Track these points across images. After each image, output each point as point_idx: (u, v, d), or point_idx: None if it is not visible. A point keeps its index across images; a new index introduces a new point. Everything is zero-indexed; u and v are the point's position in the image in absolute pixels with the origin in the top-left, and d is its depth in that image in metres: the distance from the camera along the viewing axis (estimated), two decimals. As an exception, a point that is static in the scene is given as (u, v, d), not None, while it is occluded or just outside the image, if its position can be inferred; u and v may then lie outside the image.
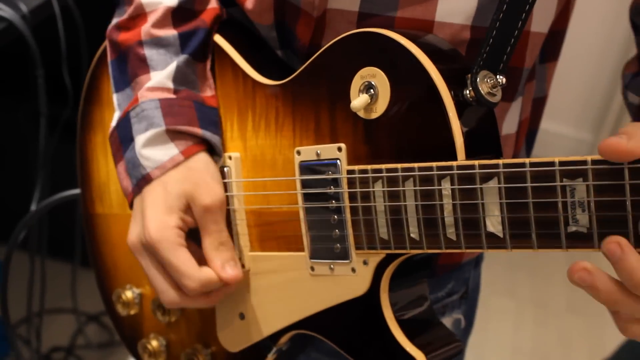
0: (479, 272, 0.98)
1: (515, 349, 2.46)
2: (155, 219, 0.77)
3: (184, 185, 0.77)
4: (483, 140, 0.69)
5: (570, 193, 0.59)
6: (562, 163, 0.59)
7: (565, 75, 2.33)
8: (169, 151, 0.79)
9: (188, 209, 0.78)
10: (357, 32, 0.71)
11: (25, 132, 1.89)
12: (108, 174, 0.97)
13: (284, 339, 0.83)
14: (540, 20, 0.77)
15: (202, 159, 0.80)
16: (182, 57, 0.81)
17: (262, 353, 0.85)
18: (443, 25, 0.73)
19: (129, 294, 0.96)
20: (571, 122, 3.35)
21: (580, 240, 0.60)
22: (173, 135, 0.79)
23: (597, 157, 0.58)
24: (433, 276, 0.88)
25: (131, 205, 0.82)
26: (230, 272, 0.77)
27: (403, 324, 0.74)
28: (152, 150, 0.79)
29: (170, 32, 0.82)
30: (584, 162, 0.58)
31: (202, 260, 0.78)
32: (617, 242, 0.56)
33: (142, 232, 0.77)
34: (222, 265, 0.78)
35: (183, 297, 0.78)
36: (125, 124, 0.81)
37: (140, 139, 0.79)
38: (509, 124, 0.83)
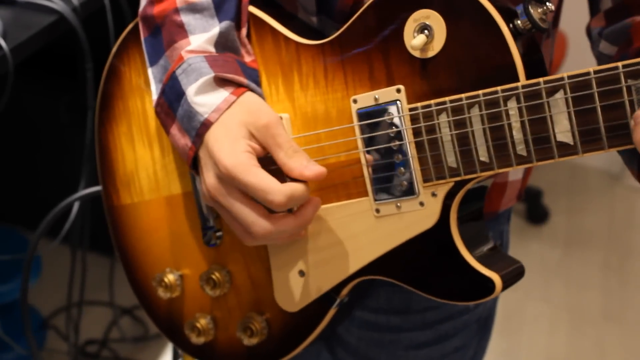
0: (509, 228, 1.04)
1: (550, 355, 2.47)
2: (224, 150, 0.79)
3: (241, 117, 0.80)
4: (534, 65, 0.75)
5: (637, 91, 0.66)
6: (625, 66, 0.66)
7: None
8: (221, 94, 0.82)
9: (252, 136, 0.80)
10: None
11: (66, 123, 1.87)
12: (136, 161, 0.99)
13: (346, 289, 0.86)
14: None
15: (251, 94, 0.83)
16: (225, 24, 0.85)
17: (324, 307, 0.88)
18: None
19: (170, 277, 0.97)
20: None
21: (649, 134, 0.66)
22: (220, 82, 0.82)
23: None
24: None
25: (193, 164, 0.84)
26: (314, 168, 0.78)
27: (472, 249, 0.78)
28: (204, 96, 0.82)
29: None
30: (647, 62, 0.65)
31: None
32: None
33: (216, 168, 0.79)
34: (304, 166, 0.78)
35: (274, 222, 0.78)
36: (172, 83, 0.84)
37: (191, 89, 0.82)
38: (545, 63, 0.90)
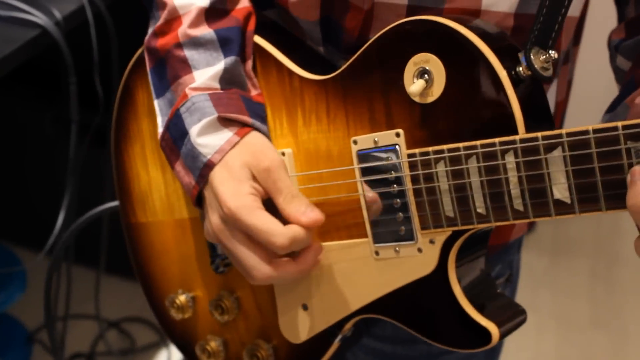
0: (520, 256, 1.02)
1: None
2: (228, 192, 0.79)
3: (244, 158, 0.80)
4: (537, 113, 0.72)
5: (636, 154, 0.63)
6: (625, 127, 0.63)
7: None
8: (224, 135, 0.82)
9: (254, 177, 0.80)
10: (405, 20, 0.75)
11: (51, 136, 1.90)
12: (150, 182, 1.00)
13: (349, 324, 0.86)
14: (575, 5, 0.81)
15: (255, 134, 0.83)
16: (230, 59, 0.84)
17: (327, 341, 0.88)
18: (488, 13, 0.76)
19: (182, 298, 0.98)
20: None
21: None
22: (224, 122, 0.82)
23: (659, 118, 0.62)
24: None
25: (197, 202, 0.84)
26: (312, 215, 0.78)
27: (471, 296, 0.77)
28: (207, 137, 0.82)
29: (206, 31, 0.84)
30: (646, 124, 0.62)
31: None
32: None
33: (220, 210, 0.79)
34: (302, 212, 0.78)
35: (275, 267, 0.79)
36: (176, 121, 0.84)
37: (194, 130, 0.82)
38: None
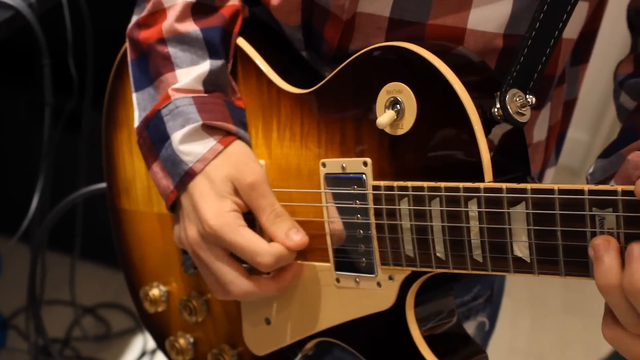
0: (504, 275, 0.97)
1: (511, 348, 2.43)
2: (210, 208, 0.76)
3: (226, 170, 0.77)
4: (511, 158, 0.67)
5: (600, 223, 0.58)
6: (591, 192, 0.58)
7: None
8: (208, 144, 0.79)
9: (237, 192, 0.78)
10: (383, 45, 0.70)
11: (25, 121, 1.89)
12: (134, 170, 0.97)
13: (310, 344, 0.83)
14: (571, 27, 0.74)
15: (239, 144, 0.80)
16: (217, 62, 0.80)
17: (287, 357, 0.85)
18: (475, 33, 0.71)
19: (156, 292, 0.97)
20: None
21: (609, 270, 0.59)
22: (208, 130, 0.79)
23: (627, 187, 0.57)
24: (459, 280, 0.87)
25: (172, 206, 0.82)
26: (296, 238, 0.76)
27: (430, 340, 0.73)
28: (190, 145, 0.79)
29: (191, 28, 0.81)
30: (615, 192, 0.57)
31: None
32: (606, 239, 0.56)
33: (200, 225, 0.77)
34: (285, 234, 0.76)
35: (255, 283, 0.78)
36: (157, 122, 0.81)
37: (177, 136, 0.79)
38: (539, 131, 0.82)
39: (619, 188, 0.57)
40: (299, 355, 0.84)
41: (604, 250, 0.56)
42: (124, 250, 1.03)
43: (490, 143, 0.65)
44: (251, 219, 0.79)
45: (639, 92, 0.76)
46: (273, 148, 0.81)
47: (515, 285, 2.64)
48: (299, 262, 0.80)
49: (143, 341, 2.18)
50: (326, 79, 0.76)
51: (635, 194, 0.54)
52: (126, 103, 0.97)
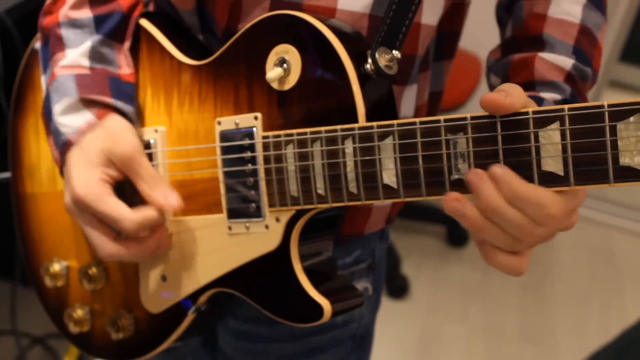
0: (384, 246, 1.05)
1: None
2: (79, 177, 0.81)
3: (102, 142, 0.82)
4: (382, 107, 0.76)
5: (453, 145, 0.67)
6: (446, 120, 0.67)
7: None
8: (84, 116, 0.84)
9: (110, 163, 0.82)
10: (272, 14, 0.78)
11: None
12: (39, 154, 1.01)
13: (203, 298, 0.88)
14: (430, 14, 0.85)
15: (115, 118, 0.85)
16: (97, 37, 0.87)
17: (182, 312, 0.89)
18: (344, 12, 0.80)
19: (56, 267, 0.99)
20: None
21: (462, 187, 0.67)
22: (87, 103, 0.85)
23: (475, 114, 0.66)
24: (339, 244, 0.94)
25: (62, 174, 0.86)
26: (172, 201, 0.81)
27: (311, 275, 0.79)
28: (68, 117, 0.84)
29: (85, 14, 0.87)
30: (464, 119, 0.66)
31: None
32: (475, 173, 0.63)
33: (71, 192, 0.82)
34: (163, 196, 0.81)
35: (118, 246, 0.82)
36: (47, 98, 0.86)
37: (57, 109, 0.84)
38: (406, 107, 0.91)
39: (468, 115, 0.66)
40: (193, 308, 0.88)
41: (478, 181, 0.64)
42: (25, 232, 1.05)
43: (364, 94, 0.74)
44: (123, 189, 0.84)
45: (502, 70, 0.87)
46: (173, 114, 0.87)
47: (471, 313, 2.66)
48: (191, 216, 0.86)
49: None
50: (221, 50, 0.83)
51: (482, 103, 0.64)
52: (34, 89, 1.01)
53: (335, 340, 1.03)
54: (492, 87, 0.89)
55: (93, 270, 0.95)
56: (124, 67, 0.90)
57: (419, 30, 0.85)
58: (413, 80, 0.90)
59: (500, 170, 0.63)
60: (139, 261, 0.89)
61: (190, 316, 0.89)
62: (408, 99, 0.90)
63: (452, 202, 0.64)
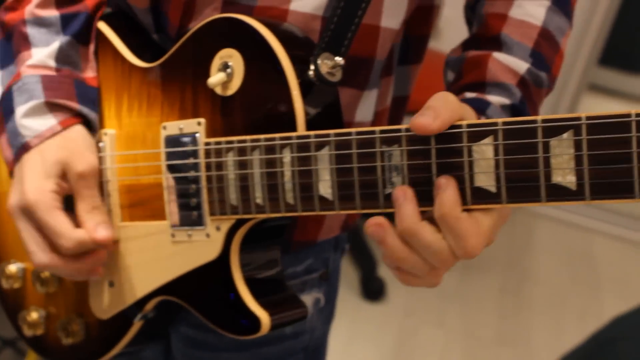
0: (339, 256, 1.02)
1: None
2: (32, 183, 0.79)
3: (61, 153, 0.80)
4: (326, 115, 0.73)
5: (388, 158, 0.64)
6: (381, 131, 0.64)
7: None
8: (47, 121, 0.82)
9: (64, 175, 0.80)
10: (218, 17, 0.76)
11: None
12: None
13: (150, 305, 0.85)
14: (390, 16, 0.81)
15: (78, 130, 0.83)
16: (65, 39, 0.84)
17: (128, 319, 0.87)
18: (296, 13, 0.77)
19: (12, 268, 0.97)
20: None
21: (395, 201, 0.64)
22: (52, 107, 0.82)
23: (409, 126, 0.63)
24: (290, 251, 0.91)
25: (12, 175, 0.84)
26: (103, 233, 0.79)
27: (252, 285, 0.77)
28: (31, 120, 0.82)
29: (52, 13, 0.85)
30: (399, 130, 0.63)
31: (78, 226, 0.81)
32: (403, 190, 0.61)
33: (21, 196, 0.79)
34: (94, 226, 0.80)
35: (53, 259, 0.80)
36: (8, 97, 0.84)
37: (20, 110, 0.82)
38: (363, 112, 0.87)
39: (403, 127, 0.63)
40: (139, 315, 0.86)
41: (402, 199, 0.62)
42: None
43: (305, 100, 0.71)
44: (71, 202, 0.82)
45: (457, 66, 0.83)
46: (123, 118, 0.85)
47: (448, 315, 2.63)
48: (137, 222, 0.83)
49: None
50: (170, 52, 0.81)
51: (410, 127, 0.61)
52: None
53: (285, 352, 1.00)
54: (447, 83, 0.85)
55: (45, 273, 0.93)
56: (89, 71, 0.88)
57: (378, 33, 0.82)
58: (373, 85, 0.87)
59: (444, 180, 0.60)
60: (72, 278, 0.87)
61: (137, 324, 0.87)
62: (366, 105, 0.87)
63: (372, 226, 0.62)
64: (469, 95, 0.77)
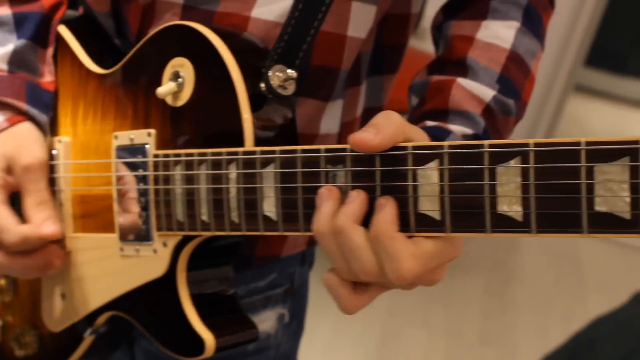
0: (306, 270, 0.98)
1: None
2: None
3: (5, 148, 0.77)
4: (277, 130, 0.69)
5: (332, 178, 0.60)
6: (327, 150, 0.60)
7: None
8: None
9: (10, 170, 0.77)
10: (172, 24, 0.72)
11: None
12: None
13: (100, 320, 0.82)
14: (357, 26, 0.78)
15: (25, 126, 0.79)
16: (21, 42, 0.81)
17: (79, 333, 0.84)
18: (258, 21, 0.74)
19: (-30, 276, 0.95)
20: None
21: (340, 224, 0.60)
22: (0, 106, 0.79)
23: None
24: (252, 266, 0.88)
25: None
26: (49, 228, 0.76)
27: (200, 304, 0.73)
28: None
29: (4, 12, 0.82)
30: (345, 149, 0.59)
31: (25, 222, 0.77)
32: (329, 189, 0.59)
33: None
34: (41, 221, 0.76)
35: (3, 257, 0.76)
36: None
37: None
38: (328, 124, 0.83)
39: (348, 146, 0.59)
40: (89, 330, 0.82)
41: (325, 199, 0.59)
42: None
43: (255, 114, 0.67)
44: (17, 199, 0.78)
45: (420, 91, 0.79)
46: (78, 126, 0.82)
47: (432, 316, 2.60)
48: (88, 234, 0.80)
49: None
50: (125, 59, 0.77)
51: (350, 142, 0.57)
52: None
53: None
54: (411, 108, 0.81)
55: (1, 282, 0.90)
56: (46, 75, 0.84)
57: (344, 43, 0.78)
58: (337, 96, 0.83)
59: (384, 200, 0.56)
60: (24, 276, 0.83)
61: (88, 338, 0.84)
62: (330, 116, 0.83)
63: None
64: (430, 123, 0.72)
